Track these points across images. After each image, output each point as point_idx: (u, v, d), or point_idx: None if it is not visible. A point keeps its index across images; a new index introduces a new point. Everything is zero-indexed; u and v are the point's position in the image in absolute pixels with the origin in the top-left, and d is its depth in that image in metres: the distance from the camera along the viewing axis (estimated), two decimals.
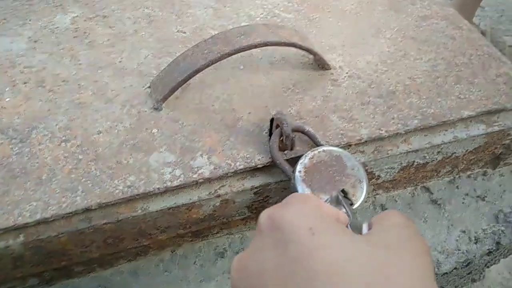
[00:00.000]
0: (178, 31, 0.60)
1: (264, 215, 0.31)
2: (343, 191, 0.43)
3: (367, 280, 0.24)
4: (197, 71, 0.48)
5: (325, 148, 0.45)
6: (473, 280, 0.86)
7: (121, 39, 0.58)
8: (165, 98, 0.50)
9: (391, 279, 0.24)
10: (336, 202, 0.42)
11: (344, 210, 0.39)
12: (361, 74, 0.58)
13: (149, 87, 0.52)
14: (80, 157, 0.46)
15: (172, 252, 0.53)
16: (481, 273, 0.89)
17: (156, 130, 0.48)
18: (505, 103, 0.56)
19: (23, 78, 0.54)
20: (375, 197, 0.61)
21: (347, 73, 0.58)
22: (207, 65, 0.48)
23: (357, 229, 0.34)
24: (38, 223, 0.41)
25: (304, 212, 0.29)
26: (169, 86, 0.49)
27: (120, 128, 0.48)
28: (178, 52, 0.57)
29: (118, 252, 0.49)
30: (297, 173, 0.43)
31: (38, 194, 0.42)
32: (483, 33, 1.37)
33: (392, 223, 0.31)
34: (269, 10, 0.66)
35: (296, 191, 0.43)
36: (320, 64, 0.57)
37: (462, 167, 0.62)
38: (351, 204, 0.42)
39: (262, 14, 0.65)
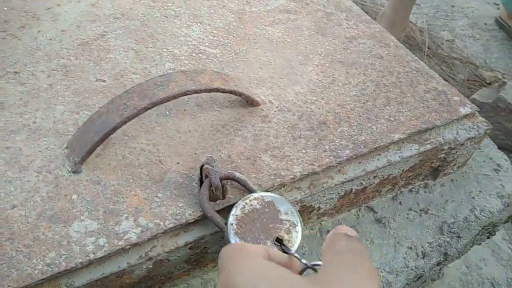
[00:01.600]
0: (97, 80, 0.57)
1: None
2: (277, 239, 0.42)
3: None
4: (114, 130, 0.46)
5: (255, 195, 0.44)
6: (433, 280, 0.88)
7: (35, 96, 0.54)
8: (83, 159, 0.47)
9: None
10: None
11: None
12: (291, 106, 0.57)
13: (66, 147, 0.49)
14: None
15: None
16: (439, 273, 0.91)
17: (76, 196, 0.46)
18: (435, 120, 0.57)
19: None
20: (321, 224, 0.60)
21: (277, 107, 0.57)
22: (124, 122, 0.46)
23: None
24: None
25: (244, 267, 0.29)
26: (86, 147, 0.46)
27: (36, 198, 0.45)
28: (97, 104, 0.54)
29: None
30: (229, 225, 0.42)
31: None
32: (420, 30, 1.40)
33: (339, 254, 0.30)
34: (194, 46, 0.64)
35: (230, 243, 0.41)
36: (249, 101, 0.56)
37: (402, 183, 0.63)
38: (286, 252, 0.41)
39: (186, 52, 0.63)
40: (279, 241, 0.42)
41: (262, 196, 0.44)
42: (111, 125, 0.46)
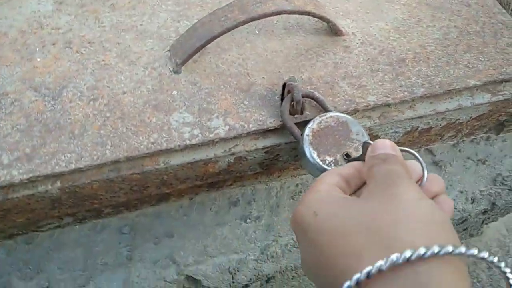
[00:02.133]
0: None
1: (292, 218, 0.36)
2: (346, 154, 0.47)
3: (361, 228, 0.29)
4: (214, 38, 0.51)
5: (332, 114, 0.49)
6: (471, 235, 0.91)
7: (142, 2, 0.60)
8: (184, 62, 0.53)
9: (378, 223, 0.29)
10: (339, 163, 0.46)
11: None
12: (373, 41, 0.59)
13: (169, 50, 0.55)
14: (108, 114, 0.50)
15: (191, 200, 0.59)
16: (479, 230, 0.94)
17: (176, 92, 0.52)
18: None
19: (51, 39, 0.57)
20: None
21: (359, 39, 0.59)
22: (223, 32, 0.50)
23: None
24: (73, 171, 0.47)
25: (309, 200, 0.34)
26: (188, 51, 0.52)
27: (143, 89, 0.52)
28: (195, 16, 0.59)
29: (143, 197, 0.55)
30: (305, 136, 0.47)
31: (72, 147, 0.48)
32: None
33: (376, 180, 0.33)
34: None
35: (304, 152, 0.47)
36: (334, 30, 0.59)
37: (465, 132, 0.65)
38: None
39: None
40: (347, 156, 0.47)
41: (337, 115, 0.49)
42: (212, 33, 0.51)
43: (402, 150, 0.37)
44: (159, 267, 0.55)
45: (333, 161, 0.46)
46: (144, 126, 0.49)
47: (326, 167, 0.46)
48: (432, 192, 0.36)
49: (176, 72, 0.54)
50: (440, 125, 0.59)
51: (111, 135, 0.49)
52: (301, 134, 0.48)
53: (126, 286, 0.53)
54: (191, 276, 0.55)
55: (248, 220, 0.58)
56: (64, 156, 0.47)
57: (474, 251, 0.27)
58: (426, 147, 0.65)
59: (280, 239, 0.58)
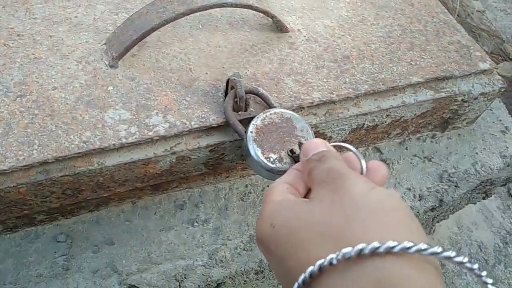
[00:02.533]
0: None
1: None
2: (291, 150, 0.46)
3: (315, 229, 0.29)
4: (152, 30, 0.49)
5: (276, 110, 0.47)
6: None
7: None
8: (120, 56, 0.50)
9: (331, 221, 0.28)
10: (283, 161, 0.45)
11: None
12: (318, 38, 0.59)
13: (105, 44, 0.52)
14: (36, 112, 0.46)
15: (133, 204, 0.56)
16: (431, 228, 0.97)
17: (112, 88, 0.49)
18: (454, 70, 0.59)
19: None
20: None
21: (304, 36, 0.59)
22: (162, 25, 0.48)
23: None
24: None
25: (265, 212, 0.33)
26: (125, 44, 0.49)
27: (75, 84, 0.49)
28: (135, 8, 0.57)
29: (79, 202, 0.51)
30: (249, 133, 0.45)
31: None
32: None
33: (318, 183, 0.33)
34: None
35: (248, 150, 0.45)
36: (279, 27, 0.58)
37: (411, 130, 0.66)
38: (297, 161, 0.45)
39: None
40: (292, 152, 0.46)
41: (281, 112, 0.47)
42: (150, 25, 0.48)
43: (334, 146, 0.36)
44: (99, 277, 0.51)
45: (278, 158, 0.45)
46: (75, 124, 0.46)
47: (271, 165, 0.44)
48: (377, 180, 0.34)
49: (112, 66, 0.51)
50: (386, 122, 0.59)
51: (39, 134, 0.45)
52: (245, 132, 0.47)
53: None
54: (134, 286, 0.51)
55: (196, 224, 0.56)
56: None
57: (437, 249, 0.25)
58: (373, 146, 0.65)
59: (229, 243, 0.55)
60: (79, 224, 0.54)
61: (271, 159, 0.45)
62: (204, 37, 0.56)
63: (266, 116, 0.47)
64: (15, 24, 0.54)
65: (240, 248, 0.56)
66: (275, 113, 0.47)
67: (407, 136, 0.67)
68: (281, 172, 0.45)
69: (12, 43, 0.52)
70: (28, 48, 0.52)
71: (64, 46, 0.52)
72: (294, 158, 0.45)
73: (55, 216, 0.52)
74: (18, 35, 0.53)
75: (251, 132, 0.46)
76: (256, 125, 0.46)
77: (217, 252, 0.55)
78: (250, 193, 0.60)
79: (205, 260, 0.55)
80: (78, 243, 0.53)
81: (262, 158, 0.44)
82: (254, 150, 0.45)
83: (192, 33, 0.56)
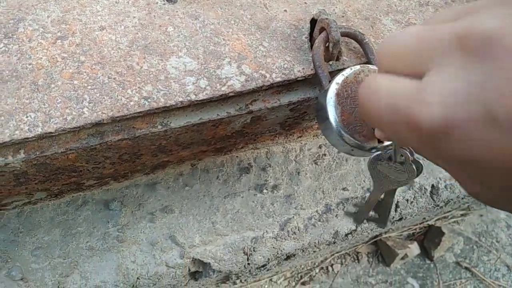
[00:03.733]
0: None
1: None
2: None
3: None
4: None
5: (376, 68, 0.37)
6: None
7: None
8: None
9: None
10: (366, 135, 0.35)
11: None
12: None
13: None
14: (82, 58, 0.37)
15: (192, 166, 0.48)
16: None
17: (172, 29, 0.39)
18: None
19: None
20: None
21: None
22: None
23: None
24: (40, 137, 0.35)
25: None
26: None
27: (127, 23, 0.39)
28: None
29: (134, 167, 0.43)
30: (334, 83, 0.35)
31: (36, 103, 0.35)
32: None
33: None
34: None
35: (323, 106, 0.35)
36: None
37: None
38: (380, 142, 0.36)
39: None
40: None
41: None
42: None
43: None
44: (159, 250, 0.45)
45: (359, 128, 0.35)
46: (132, 74, 0.37)
47: (353, 139, 0.35)
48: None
49: (170, 1, 0.40)
50: None
51: (89, 87, 0.36)
52: (329, 81, 0.37)
53: (120, 274, 0.43)
54: (198, 259, 0.46)
55: (264, 191, 0.48)
56: (27, 117, 0.34)
57: None
58: None
59: (302, 212, 0.48)
60: (132, 189, 0.47)
61: (351, 126, 0.35)
62: None
63: (362, 71, 0.36)
64: None
65: (315, 219, 0.49)
66: (374, 71, 0.37)
67: None
68: (363, 147, 0.36)
69: None
70: None
71: None
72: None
73: (106, 181, 0.45)
74: None
75: (338, 83, 0.35)
76: (347, 77, 0.36)
77: (289, 222, 0.48)
78: (324, 155, 0.51)
79: (276, 231, 0.48)
80: (132, 210, 0.47)
81: (338, 119, 0.35)
82: (333, 109, 0.35)
83: None
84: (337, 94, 0.35)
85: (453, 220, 0.90)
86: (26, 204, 0.44)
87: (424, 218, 0.87)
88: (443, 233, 0.86)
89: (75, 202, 0.46)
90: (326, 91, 0.36)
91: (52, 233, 0.44)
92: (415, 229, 0.90)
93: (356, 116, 0.35)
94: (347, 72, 0.36)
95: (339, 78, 0.36)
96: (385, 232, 0.86)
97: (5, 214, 0.44)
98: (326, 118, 0.35)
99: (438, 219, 0.89)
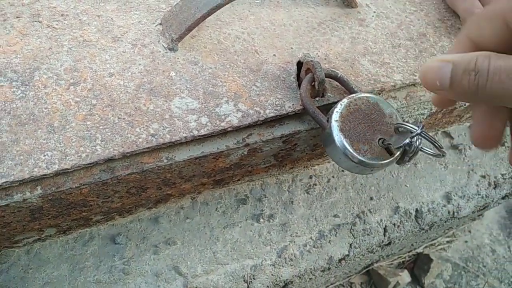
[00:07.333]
0: None
1: None
2: (383, 140, 0.41)
3: None
4: (218, 7, 0.43)
5: (361, 95, 0.42)
6: (473, 219, 0.89)
7: None
8: (181, 37, 0.45)
9: None
10: (375, 152, 0.40)
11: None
12: (389, 13, 0.53)
13: (160, 24, 0.47)
14: (94, 102, 0.41)
15: (192, 199, 0.51)
16: (480, 215, 0.93)
17: (174, 73, 0.44)
18: None
19: (14, 12, 0.47)
20: None
21: (374, 12, 0.53)
22: (230, 0, 0.42)
23: None
24: (57, 174, 0.38)
25: None
26: (186, 24, 0.44)
27: (134, 70, 0.43)
28: None
29: (139, 201, 0.46)
30: (333, 122, 0.40)
31: (52, 143, 0.38)
32: None
33: None
34: None
35: (332, 140, 0.40)
36: (346, 2, 0.53)
37: None
38: (391, 154, 0.41)
39: None
40: (384, 142, 0.41)
41: (367, 97, 0.42)
42: (215, 2, 0.43)
43: None
44: (163, 281, 0.47)
45: (369, 149, 0.40)
46: (140, 114, 0.41)
47: (361, 158, 0.39)
48: None
49: (171, 49, 0.45)
50: (465, 104, 0.54)
51: (101, 127, 0.40)
52: (327, 120, 0.42)
53: None
54: None
55: (261, 220, 0.51)
56: (44, 155, 0.38)
57: None
58: (443, 130, 0.61)
59: (297, 239, 0.51)
60: (136, 223, 0.50)
61: (362, 151, 0.40)
62: (266, 15, 0.51)
63: (351, 102, 0.41)
64: (57, 3, 0.48)
65: (310, 245, 0.52)
66: (359, 98, 0.42)
67: None
68: (372, 165, 0.40)
69: (57, 24, 0.46)
70: (75, 29, 0.46)
71: (115, 27, 0.46)
72: (387, 147, 0.41)
73: (111, 216, 0.48)
74: (62, 15, 0.47)
75: (336, 121, 0.41)
76: (341, 112, 0.41)
77: (286, 249, 0.51)
78: (315, 185, 0.55)
79: (274, 258, 0.50)
80: (136, 244, 0.49)
81: (351, 150, 0.40)
82: (342, 141, 0.40)
83: (252, 10, 0.51)
84: (341, 130, 0.40)
85: (440, 247, 0.94)
86: (36, 241, 0.46)
87: (412, 245, 0.90)
88: (431, 260, 0.89)
89: (83, 237, 0.48)
90: (329, 133, 0.40)
91: (61, 268, 0.45)
92: (405, 257, 0.92)
93: (364, 140, 0.40)
94: (339, 108, 0.41)
95: (336, 116, 0.41)
96: (376, 261, 0.88)
97: (15, 251, 0.45)
98: (336, 147, 0.40)
99: (426, 247, 0.92)
